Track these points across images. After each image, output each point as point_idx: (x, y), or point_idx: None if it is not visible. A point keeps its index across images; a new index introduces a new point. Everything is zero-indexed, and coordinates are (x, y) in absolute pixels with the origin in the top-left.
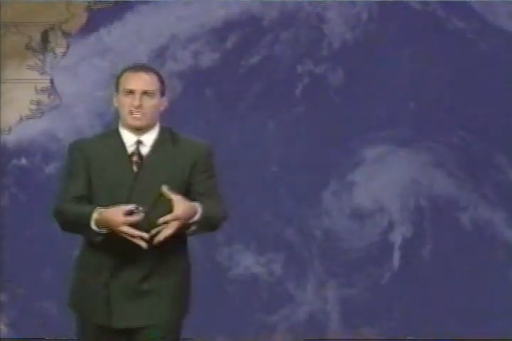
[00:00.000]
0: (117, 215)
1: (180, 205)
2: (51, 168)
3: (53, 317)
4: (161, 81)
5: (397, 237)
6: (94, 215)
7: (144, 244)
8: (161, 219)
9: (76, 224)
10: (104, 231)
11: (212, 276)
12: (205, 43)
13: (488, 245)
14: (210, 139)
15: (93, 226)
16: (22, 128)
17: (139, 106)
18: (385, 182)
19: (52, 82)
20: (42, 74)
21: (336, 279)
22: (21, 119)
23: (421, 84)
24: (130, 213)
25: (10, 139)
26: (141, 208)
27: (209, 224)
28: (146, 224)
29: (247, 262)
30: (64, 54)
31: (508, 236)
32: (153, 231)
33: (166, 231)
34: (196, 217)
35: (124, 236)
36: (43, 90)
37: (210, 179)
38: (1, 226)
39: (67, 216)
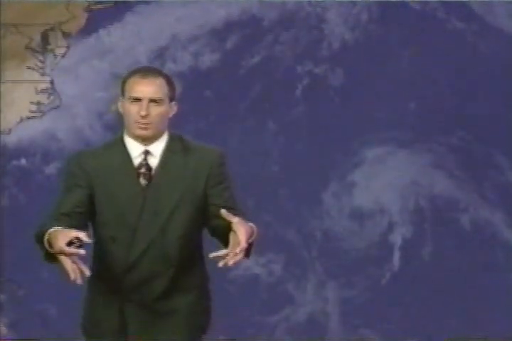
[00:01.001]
0: (58, 241)
1: (243, 229)
2: (51, 169)
3: (53, 318)
4: (170, 85)
5: (397, 238)
6: (47, 234)
7: (79, 281)
8: (235, 251)
9: (38, 241)
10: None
11: (212, 276)
12: (205, 44)
13: (488, 245)
14: (210, 139)
15: (46, 245)
16: (22, 128)
17: (146, 116)
18: (385, 183)
19: (52, 82)
20: (42, 74)
21: (336, 280)
22: (21, 120)
23: (421, 85)
24: (71, 243)
25: (10, 140)
26: (87, 240)
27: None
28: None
29: (247, 263)
30: (64, 54)
31: (508, 236)
32: (213, 255)
33: (236, 258)
34: (252, 238)
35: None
36: (43, 91)
37: (227, 189)
38: (1, 226)
39: (37, 230)
